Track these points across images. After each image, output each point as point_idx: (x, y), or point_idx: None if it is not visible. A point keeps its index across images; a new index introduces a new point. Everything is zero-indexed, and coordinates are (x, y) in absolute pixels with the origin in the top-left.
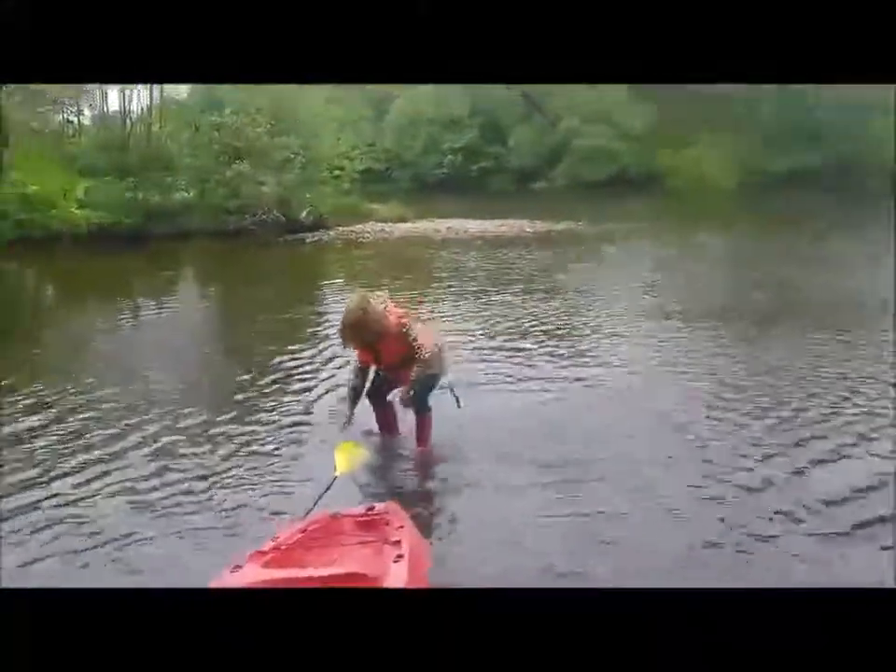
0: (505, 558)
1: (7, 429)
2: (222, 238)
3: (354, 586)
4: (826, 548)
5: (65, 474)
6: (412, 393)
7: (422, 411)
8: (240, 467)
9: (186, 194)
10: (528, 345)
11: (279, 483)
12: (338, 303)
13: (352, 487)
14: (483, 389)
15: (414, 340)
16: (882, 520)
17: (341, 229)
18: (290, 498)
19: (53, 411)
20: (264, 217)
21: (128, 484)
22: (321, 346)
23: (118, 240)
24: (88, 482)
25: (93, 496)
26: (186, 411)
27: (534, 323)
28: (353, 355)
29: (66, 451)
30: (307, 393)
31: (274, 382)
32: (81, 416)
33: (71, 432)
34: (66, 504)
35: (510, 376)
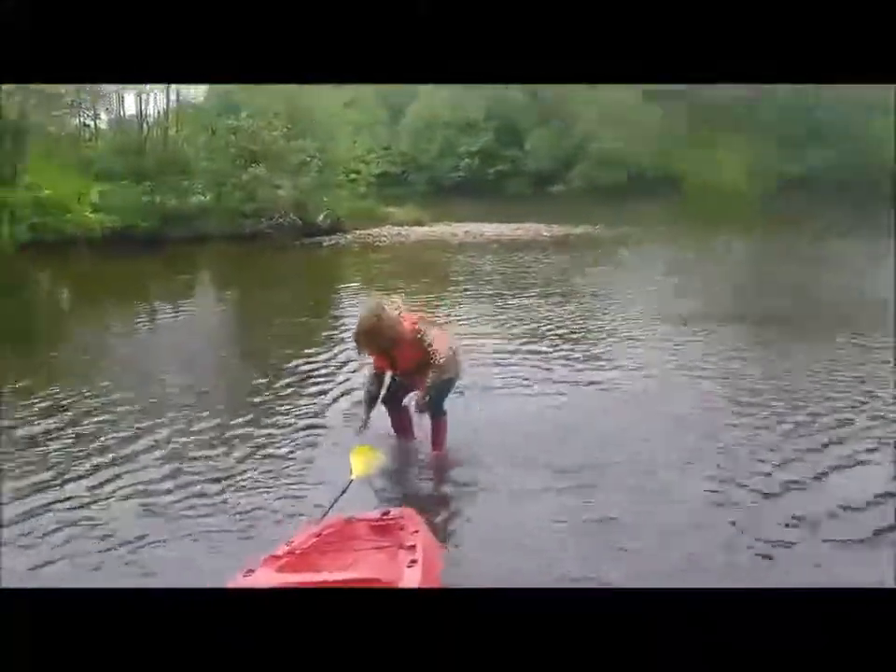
0: (519, 563)
1: (21, 432)
2: (239, 241)
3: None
4: (845, 554)
5: (79, 477)
6: (427, 399)
7: (437, 415)
8: (255, 469)
9: (202, 198)
10: (544, 349)
11: (294, 487)
12: (354, 307)
13: (367, 491)
14: (499, 393)
15: (429, 345)
16: None
17: (357, 232)
18: (305, 502)
19: (69, 414)
20: (281, 220)
21: (141, 487)
22: (336, 350)
23: (134, 244)
24: (101, 484)
25: (107, 498)
26: (201, 414)
27: (550, 327)
28: (368, 360)
29: (81, 454)
30: (322, 396)
31: (289, 385)
32: (96, 419)
33: (85, 435)
34: (80, 507)
35: (526, 380)
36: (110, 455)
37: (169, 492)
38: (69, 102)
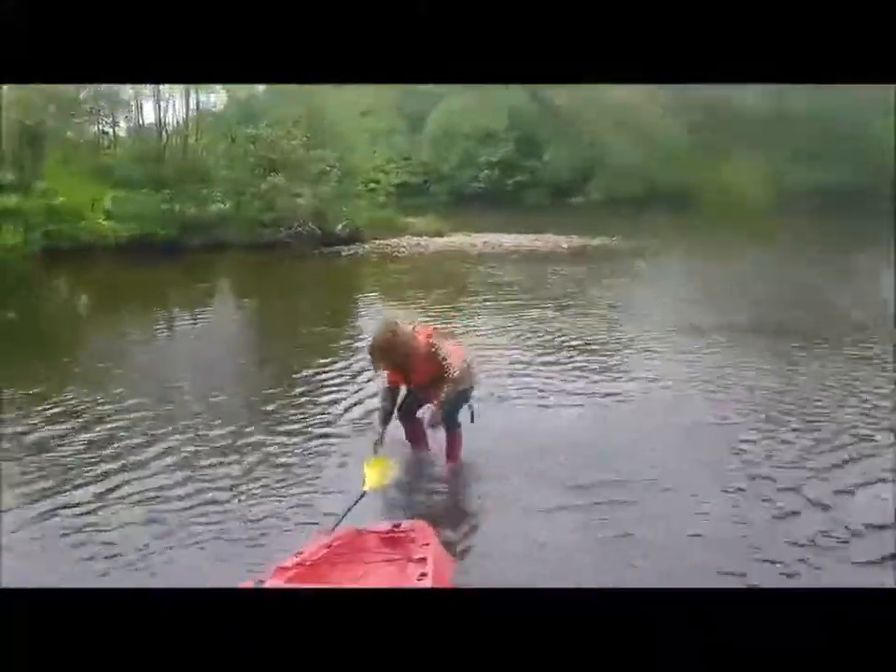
0: (532, 577)
1: (35, 436)
2: (257, 250)
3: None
4: (866, 572)
5: (89, 483)
6: (442, 413)
7: (452, 427)
8: (266, 478)
9: (221, 206)
10: (561, 360)
11: (305, 496)
12: (372, 317)
13: (380, 503)
14: (516, 404)
15: (444, 359)
16: None
17: (376, 242)
18: (316, 511)
19: (81, 420)
20: (300, 229)
21: (151, 494)
22: (352, 359)
23: (154, 251)
24: (110, 490)
25: (116, 504)
26: (215, 421)
27: (567, 338)
28: (383, 373)
29: (92, 460)
30: (336, 405)
31: (304, 394)
32: (109, 426)
33: (97, 441)
34: (88, 513)
35: (542, 391)
36: (121, 462)
37: (180, 499)
38: (88, 109)
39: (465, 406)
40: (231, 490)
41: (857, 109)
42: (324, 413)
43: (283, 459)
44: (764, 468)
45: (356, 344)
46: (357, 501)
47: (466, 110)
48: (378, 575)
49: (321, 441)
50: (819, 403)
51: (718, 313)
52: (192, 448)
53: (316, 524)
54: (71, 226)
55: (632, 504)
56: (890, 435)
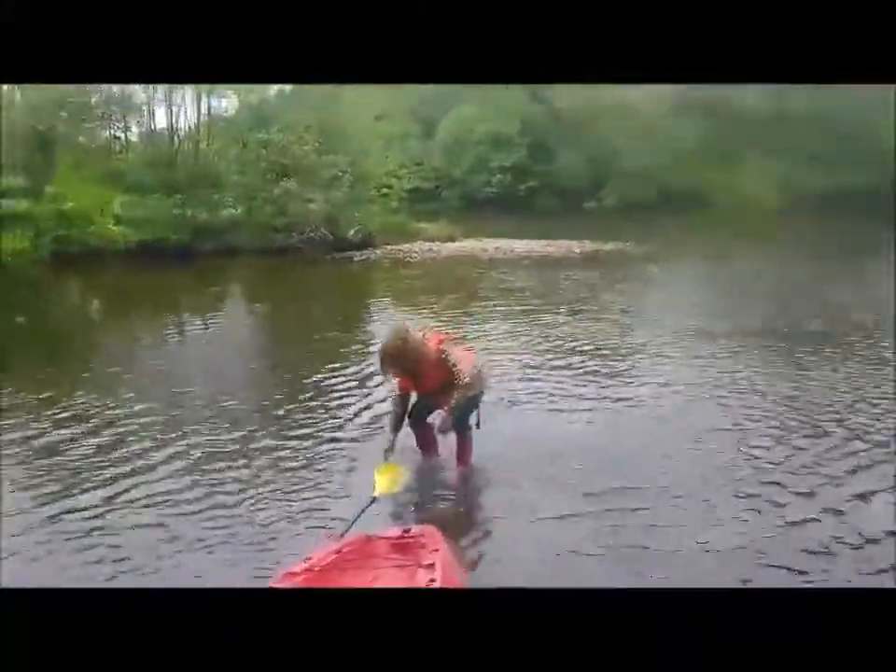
0: (542, 581)
1: (44, 440)
2: (269, 255)
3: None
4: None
5: (98, 486)
6: (452, 418)
7: (462, 431)
8: (275, 482)
9: (233, 211)
10: (573, 365)
11: (315, 500)
12: (384, 322)
13: (390, 508)
14: (527, 408)
15: (454, 365)
16: None
17: (388, 247)
18: (325, 515)
19: (90, 424)
20: (312, 234)
21: (159, 498)
22: (363, 364)
23: (166, 256)
24: (118, 494)
25: (124, 508)
26: (224, 425)
27: (579, 343)
28: (394, 380)
29: (101, 463)
30: (347, 409)
31: (314, 398)
32: (119, 430)
33: (106, 445)
34: (95, 517)
35: (553, 396)
36: (130, 466)
37: (188, 503)
38: (100, 114)
39: (475, 411)
40: (240, 494)
41: (872, 111)
42: (335, 418)
43: (292, 463)
44: (777, 473)
45: (367, 349)
46: (366, 507)
47: (478, 116)
48: (387, 581)
49: (331, 445)
50: (831, 408)
51: (730, 317)
52: (202, 452)
53: (325, 527)
54: (80, 231)
55: (644, 511)
56: None
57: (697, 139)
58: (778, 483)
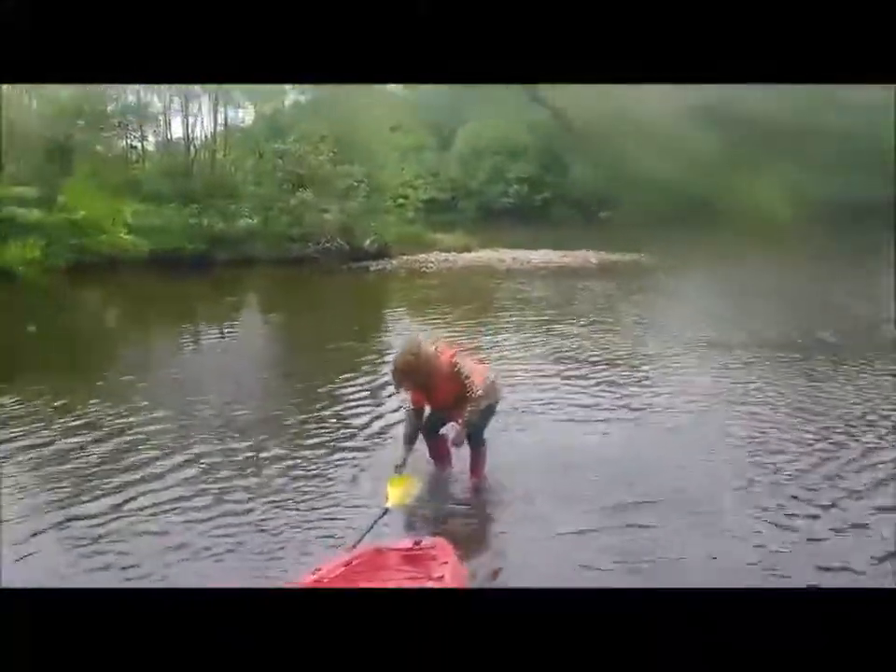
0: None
1: (58, 446)
2: (285, 265)
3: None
4: None
5: (108, 493)
6: (466, 432)
7: (477, 445)
8: (285, 491)
9: (250, 221)
10: (589, 376)
11: (325, 510)
12: (399, 333)
13: (402, 520)
14: (543, 419)
15: (466, 378)
16: None
17: (404, 258)
18: (335, 525)
19: (101, 431)
20: (328, 244)
21: (167, 506)
22: (376, 374)
23: (182, 265)
24: (127, 501)
25: (133, 515)
26: (236, 434)
27: (594, 353)
28: (407, 394)
29: (111, 471)
30: (360, 419)
31: (327, 408)
32: (130, 437)
33: (117, 452)
34: (104, 523)
35: (570, 406)
36: (142, 473)
37: (198, 510)
38: (116, 123)
39: (489, 423)
40: (250, 503)
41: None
42: (347, 427)
43: (302, 472)
44: (793, 487)
45: (381, 360)
46: (378, 519)
47: (495, 126)
48: None
49: (343, 454)
50: (848, 420)
51: (746, 328)
52: (214, 460)
53: (334, 537)
54: (92, 240)
55: (658, 523)
56: None
57: (712, 150)
58: (796, 497)
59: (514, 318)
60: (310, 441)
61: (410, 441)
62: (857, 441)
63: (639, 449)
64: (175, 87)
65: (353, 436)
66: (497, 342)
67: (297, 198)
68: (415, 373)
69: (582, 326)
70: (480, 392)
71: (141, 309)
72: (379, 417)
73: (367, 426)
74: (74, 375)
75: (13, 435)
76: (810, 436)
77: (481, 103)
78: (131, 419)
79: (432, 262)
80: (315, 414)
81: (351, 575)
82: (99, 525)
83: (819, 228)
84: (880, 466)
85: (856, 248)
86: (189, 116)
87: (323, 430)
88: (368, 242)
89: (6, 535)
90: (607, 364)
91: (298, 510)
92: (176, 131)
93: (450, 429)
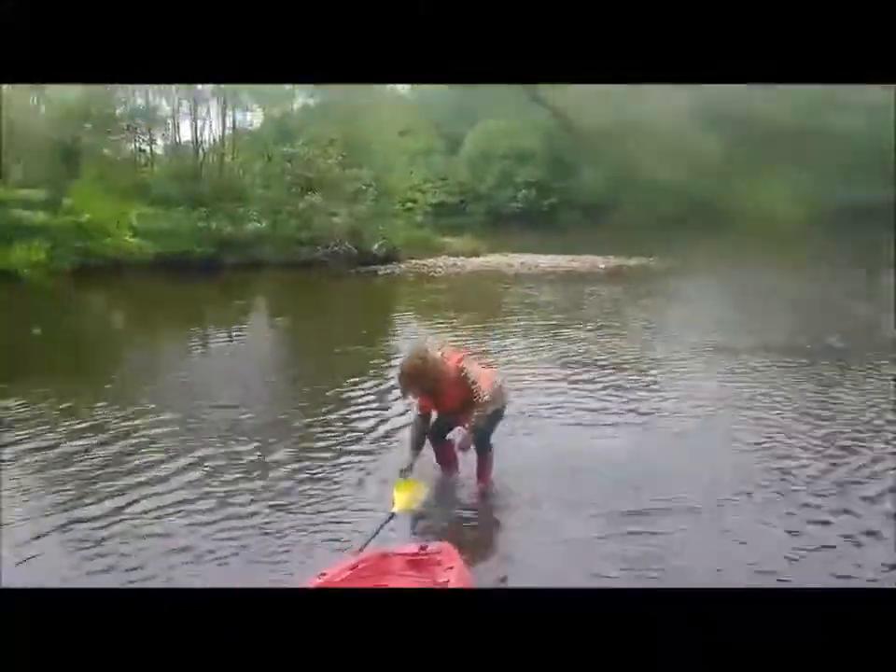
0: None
1: (61, 449)
2: (294, 269)
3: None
4: None
5: (113, 495)
6: (473, 437)
7: (484, 450)
8: (291, 495)
9: (258, 224)
10: (596, 380)
11: (331, 514)
12: (407, 337)
13: (408, 525)
14: (550, 423)
15: (473, 383)
16: None
17: (413, 262)
18: (341, 528)
19: (106, 434)
20: (336, 248)
21: (171, 510)
22: (383, 378)
23: (191, 269)
24: (130, 504)
25: (137, 518)
26: (242, 437)
27: (601, 357)
28: (414, 400)
29: (115, 473)
30: (367, 422)
31: (333, 412)
32: (136, 440)
33: (121, 455)
34: (110, 525)
35: (577, 411)
36: (147, 476)
37: (202, 513)
38: (125, 126)
39: (496, 428)
40: (254, 506)
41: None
42: (354, 431)
43: (307, 475)
44: (803, 494)
45: (388, 364)
46: (384, 523)
47: (504, 130)
48: None
49: (349, 458)
50: (856, 426)
51: (753, 333)
52: (220, 463)
53: (340, 541)
54: (97, 243)
55: (664, 528)
56: None
57: (713, 151)
58: (807, 505)
59: (522, 323)
60: (316, 445)
61: (416, 445)
62: (866, 447)
63: (646, 453)
64: (183, 90)
65: (359, 439)
66: (505, 346)
67: (305, 201)
68: (422, 378)
69: (590, 330)
70: (487, 397)
71: (146, 312)
72: (385, 421)
73: (373, 429)
74: (78, 378)
75: (18, 438)
76: (817, 441)
77: (489, 106)
78: (137, 422)
79: (440, 267)
80: (322, 418)
81: (356, 579)
82: (102, 527)
83: (819, 228)
84: (891, 472)
85: (856, 248)
86: (198, 119)
87: (329, 434)
88: (376, 246)
89: (9, 538)
90: (614, 368)
91: (304, 513)
92: (185, 134)
93: (457, 434)
